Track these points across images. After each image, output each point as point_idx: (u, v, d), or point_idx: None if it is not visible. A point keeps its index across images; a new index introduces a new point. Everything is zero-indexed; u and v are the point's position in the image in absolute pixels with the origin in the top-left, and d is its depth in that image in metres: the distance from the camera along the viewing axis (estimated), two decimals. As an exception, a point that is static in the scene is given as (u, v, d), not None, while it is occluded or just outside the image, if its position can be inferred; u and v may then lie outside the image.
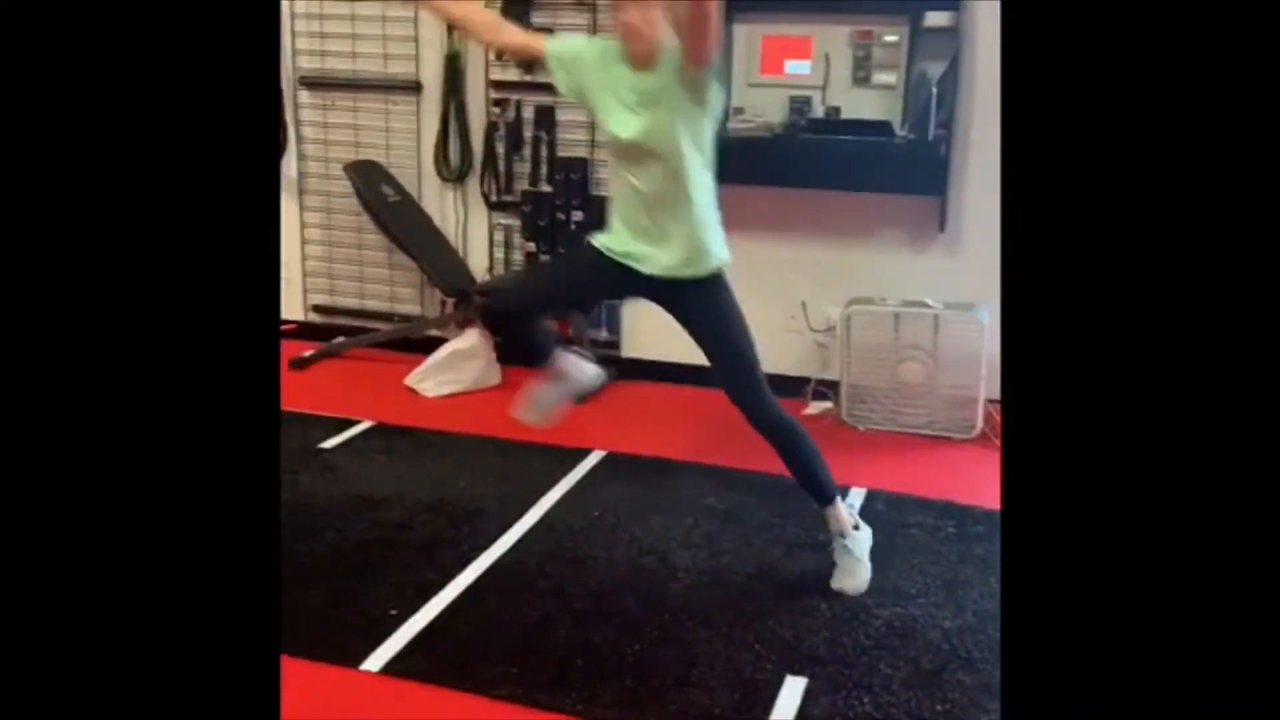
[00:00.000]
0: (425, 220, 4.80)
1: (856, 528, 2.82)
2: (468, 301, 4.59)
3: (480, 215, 4.81)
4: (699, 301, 2.63)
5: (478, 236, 4.83)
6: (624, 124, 2.51)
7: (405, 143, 4.82)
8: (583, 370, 2.88)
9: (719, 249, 2.60)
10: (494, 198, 4.76)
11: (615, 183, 2.66)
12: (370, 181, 4.66)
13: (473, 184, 4.77)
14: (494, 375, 4.44)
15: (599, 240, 2.68)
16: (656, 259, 2.58)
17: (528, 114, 4.62)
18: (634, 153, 2.52)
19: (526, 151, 4.66)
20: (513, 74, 4.60)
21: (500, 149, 4.68)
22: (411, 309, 4.96)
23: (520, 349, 2.89)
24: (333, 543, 3.04)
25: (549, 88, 4.52)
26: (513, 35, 2.80)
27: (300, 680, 2.35)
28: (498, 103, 4.65)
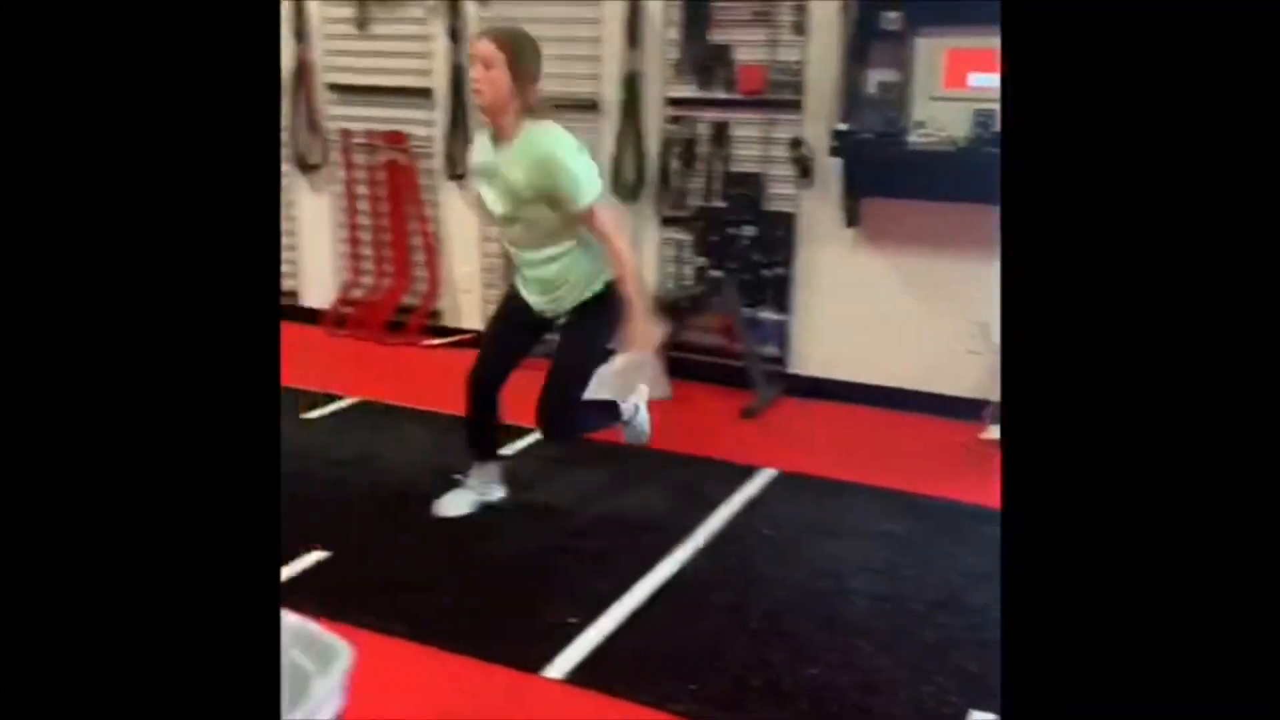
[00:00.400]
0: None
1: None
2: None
3: (652, 231, 4.87)
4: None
5: (649, 252, 4.88)
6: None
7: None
8: (639, 419, 3.33)
9: None
10: (667, 213, 4.81)
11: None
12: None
13: (646, 200, 4.84)
14: (664, 388, 4.47)
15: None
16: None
17: (702, 130, 4.65)
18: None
19: (700, 167, 4.69)
20: (689, 90, 4.64)
21: (674, 165, 4.72)
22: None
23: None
24: (514, 548, 3.13)
25: (726, 104, 4.57)
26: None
27: (482, 683, 2.43)
28: (674, 119, 4.70)
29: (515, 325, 3.02)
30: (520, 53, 2.62)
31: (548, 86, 4.81)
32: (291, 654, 1.41)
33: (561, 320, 2.97)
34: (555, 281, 2.86)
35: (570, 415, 2.96)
